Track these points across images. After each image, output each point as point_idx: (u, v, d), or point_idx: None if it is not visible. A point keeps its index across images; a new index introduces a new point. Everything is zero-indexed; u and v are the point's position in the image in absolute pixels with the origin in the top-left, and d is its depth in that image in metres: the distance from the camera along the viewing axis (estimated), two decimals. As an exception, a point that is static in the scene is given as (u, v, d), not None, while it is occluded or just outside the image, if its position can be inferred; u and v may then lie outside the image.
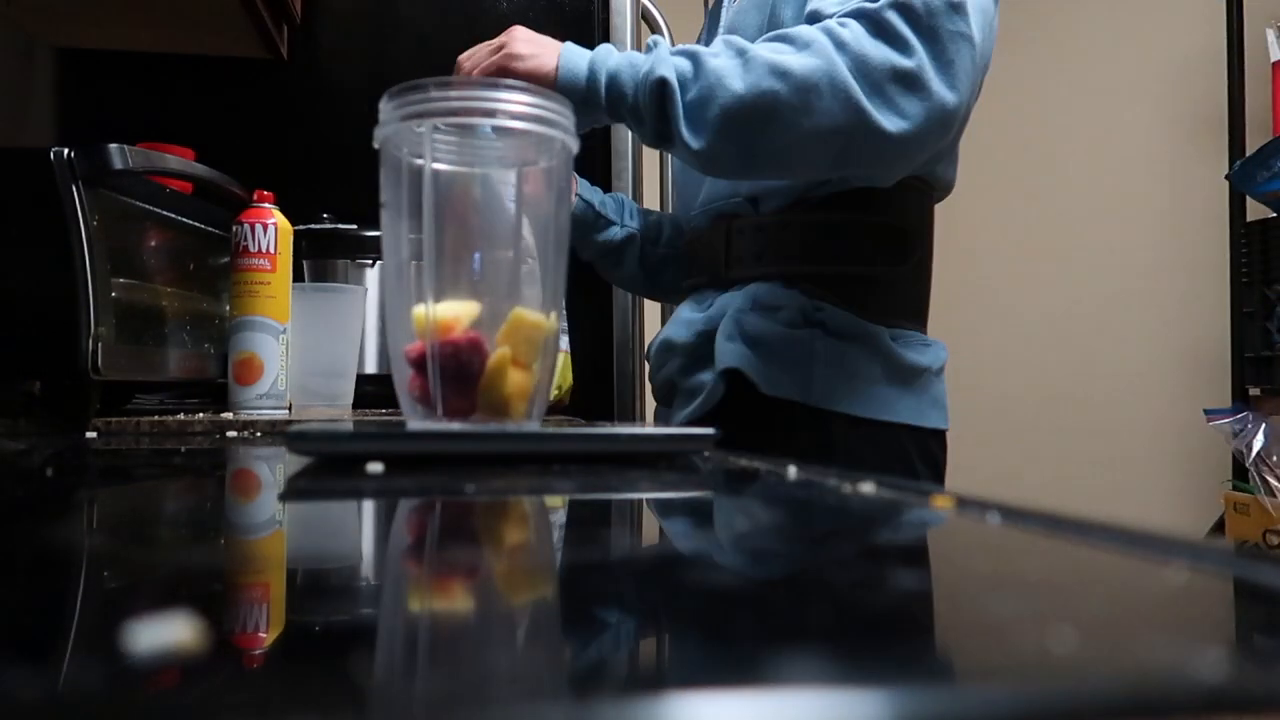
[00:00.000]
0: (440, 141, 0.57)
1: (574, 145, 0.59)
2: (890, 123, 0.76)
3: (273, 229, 0.90)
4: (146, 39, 1.31)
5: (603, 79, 0.82)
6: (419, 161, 0.56)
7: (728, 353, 0.92)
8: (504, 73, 0.87)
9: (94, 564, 0.25)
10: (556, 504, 0.38)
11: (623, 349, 1.45)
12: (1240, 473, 1.81)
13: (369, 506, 0.39)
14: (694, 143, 0.80)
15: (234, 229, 0.90)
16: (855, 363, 0.89)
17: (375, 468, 0.45)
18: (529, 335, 0.56)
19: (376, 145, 0.58)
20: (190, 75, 1.38)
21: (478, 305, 0.57)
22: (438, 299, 0.55)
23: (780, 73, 0.76)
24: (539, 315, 0.57)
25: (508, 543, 0.31)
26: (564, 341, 1.21)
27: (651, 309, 1.59)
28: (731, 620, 0.20)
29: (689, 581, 0.25)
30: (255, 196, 0.92)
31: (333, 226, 1.20)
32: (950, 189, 1.01)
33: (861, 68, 0.76)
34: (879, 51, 0.76)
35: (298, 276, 1.02)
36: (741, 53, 0.79)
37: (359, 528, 0.35)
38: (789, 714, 0.13)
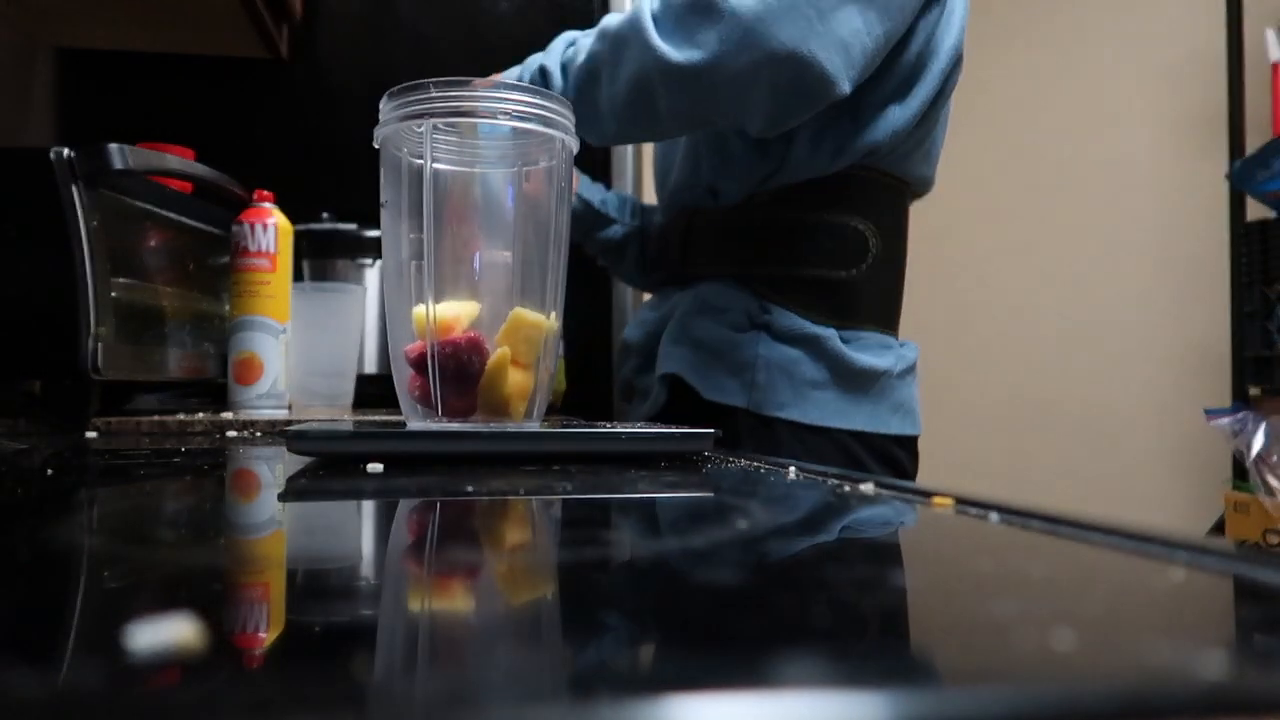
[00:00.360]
0: (440, 141, 0.57)
1: (574, 145, 0.59)
2: (681, 54, 0.74)
3: (273, 229, 0.89)
4: (146, 39, 1.31)
5: (526, 77, 0.90)
6: (419, 161, 0.56)
7: (669, 357, 0.91)
8: None
9: (94, 564, 0.25)
10: (556, 504, 0.38)
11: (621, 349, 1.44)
12: (1240, 473, 1.81)
13: (369, 506, 0.39)
14: None
15: (234, 229, 0.90)
16: (798, 367, 0.86)
17: (375, 468, 0.45)
18: (529, 335, 0.56)
19: (376, 145, 0.58)
20: (190, 75, 1.38)
21: (478, 305, 0.57)
22: (438, 299, 0.55)
23: (601, 33, 0.81)
24: (539, 315, 0.57)
25: (507, 543, 0.31)
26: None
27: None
28: (731, 620, 0.20)
29: (689, 581, 0.25)
30: (255, 196, 0.92)
31: (333, 226, 1.20)
32: (927, 187, 0.97)
33: (664, 9, 0.76)
34: None
35: (298, 276, 1.02)
36: (600, 26, 0.83)
37: (359, 528, 0.35)
38: (789, 714, 0.13)
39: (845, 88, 0.75)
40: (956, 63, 0.88)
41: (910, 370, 0.92)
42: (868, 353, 0.87)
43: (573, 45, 0.87)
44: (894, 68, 0.85)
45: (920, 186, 0.96)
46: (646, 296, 1.37)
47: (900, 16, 0.80)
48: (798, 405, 0.85)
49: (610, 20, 0.81)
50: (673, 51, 0.74)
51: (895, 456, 0.89)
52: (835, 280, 0.88)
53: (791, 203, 0.89)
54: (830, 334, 0.86)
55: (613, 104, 0.80)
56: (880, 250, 0.90)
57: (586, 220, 1.13)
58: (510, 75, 0.91)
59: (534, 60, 0.90)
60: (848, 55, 0.74)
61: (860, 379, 0.86)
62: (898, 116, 0.86)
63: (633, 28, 0.77)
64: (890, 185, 0.91)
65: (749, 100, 0.76)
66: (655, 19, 0.76)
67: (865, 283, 0.89)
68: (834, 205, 0.89)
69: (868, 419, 0.87)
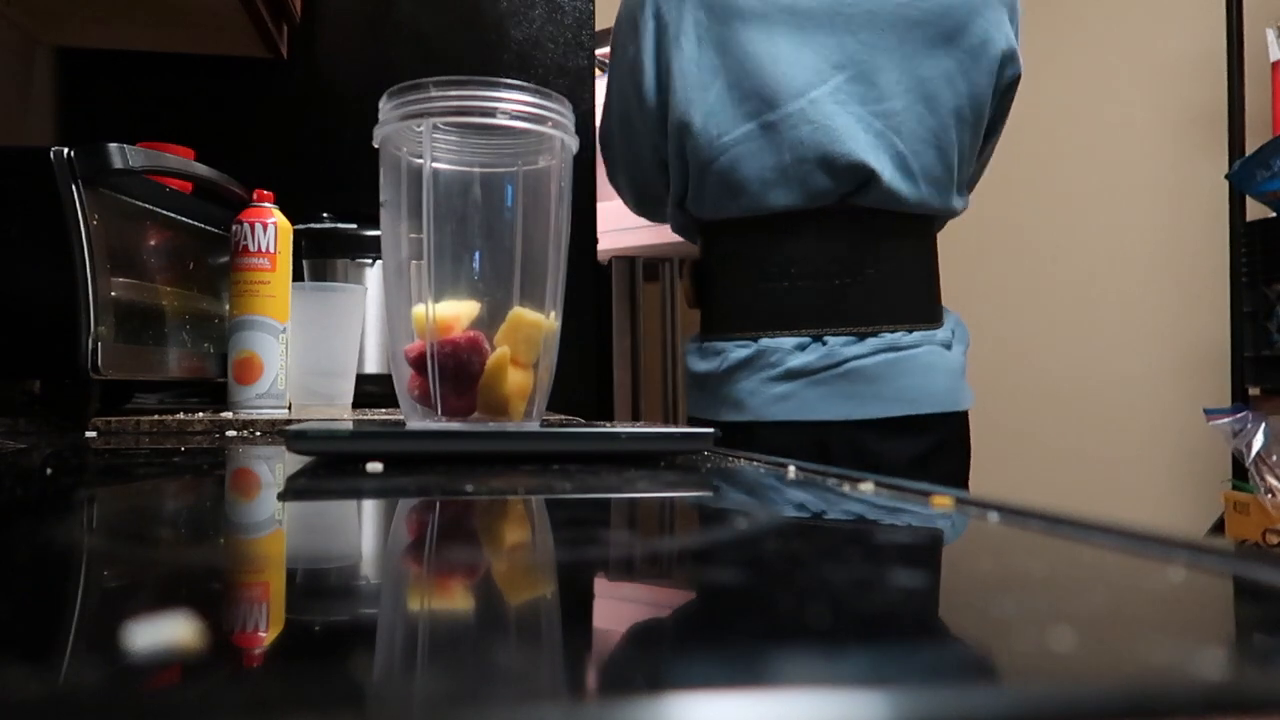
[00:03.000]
0: (440, 141, 0.57)
1: (574, 145, 0.59)
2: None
3: (272, 228, 0.89)
4: (146, 39, 1.30)
5: None
6: (418, 161, 0.56)
7: None
8: None
9: (94, 564, 0.25)
10: (556, 503, 0.38)
11: (622, 349, 1.44)
12: (1240, 473, 1.81)
13: (368, 506, 0.39)
14: None
15: (234, 228, 0.90)
16: (686, 374, 1.15)
17: (375, 467, 0.45)
18: (529, 335, 0.56)
19: (376, 145, 0.58)
20: (190, 75, 1.38)
21: (478, 305, 0.57)
22: (438, 299, 0.55)
23: None
24: (538, 315, 0.57)
25: (507, 542, 0.31)
26: None
27: (651, 309, 1.58)
28: (731, 620, 0.20)
29: (688, 581, 0.25)
30: (255, 196, 0.92)
31: (333, 226, 1.20)
32: (705, 218, 1.11)
33: None
34: None
35: (297, 276, 1.02)
36: None
37: (358, 527, 0.35)
38: (789, 714, 0.13)
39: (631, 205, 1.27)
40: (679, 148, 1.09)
41: (738, 366, 1.06)
42: (704, 359, 1.10)
43: None
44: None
45: (703, 221, 1.12)
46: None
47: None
48: (688, 400, 1.15)
49: None
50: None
51: (734, 441, 1.04)
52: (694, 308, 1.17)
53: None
54: (691, 348, 1.14)
55: None
56: (699, 279, 1.14)
57: None
58: None
59: None
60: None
61: (700, 380, 1.11)
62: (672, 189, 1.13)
63: None
64: (702, 226, 1.13)
65: (652, 218, 1.28)
66: None
67: (703, 306, 1.15)
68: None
69: (706, 410, 1.10)
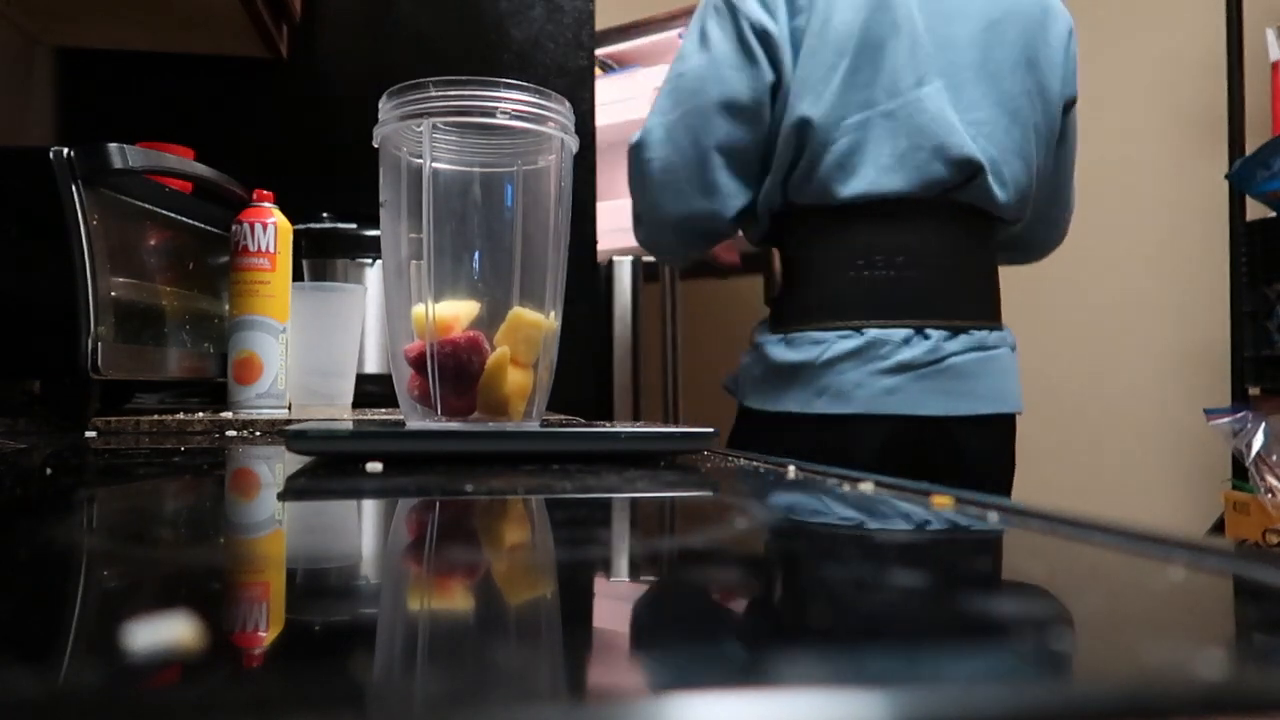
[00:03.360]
0: (440, 141, 0.57)
1: (574, 145, 0.59)
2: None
3: (272, 228, 0.89)
4: (146, 39, 1.30)
5: None
6: (418, 161, 0.56)
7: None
8: None
9: (94, 564, 0.25)
10: (556, 503, 0.38)
11: (622, 349, 1.44)
12: (1240, 472, 1.81)
13: (368, 506, 0.39)
14: None
15: (233, 228, 0.90)
16: (748, 369, 1.13)
17: (374, 467, 0.45)
18: (528, 335, 0.56)
19: (376, 144, 0.58)
20: (190, 75, 1.38)
21: (477, 305, 0.57)
22: (437, 299, 0.55)
23: None
24: (538, 315, 0.57)
25: (507, 542, 0.31)
26: None
27: (651, 309, 1.59)
28: (732, 620, 0.20)
29: (688, 581, 0.25)
30: (255, 196, 0.92)
31: (332, 226, 1.20)
32: (805, 202, 1.08)
33: None
34: None
35: (297, 276, 1.02)
36: None
37: (358, 527, 0.35)
38: (789, 714, 0.13)
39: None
40: (798, 126, 1.04)
41: (843, 357, 1.03)
42: (794, 350, 1.07)
43: None
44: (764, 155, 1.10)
45: (792, 211, 1.09)
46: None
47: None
48: (748, 395, 1.12)
49: None
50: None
51: (820, 434, 1.04)
52: (771, 300, 1.13)
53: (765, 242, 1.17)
54: (771, 340, 1.10)
55: None
56: (789, 268, 1.10)
57: None
58: None
59: None
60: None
61: (787, 372, 1.07)
62: (767, 184, 1.09)
63: None
64: (797, 213, 1.09)
65: (676, 250, 1.23)
66: None
67: (788, 296, 1.11)
68: (764, 242, 1.16)
69: (794, 402, 1.06)
